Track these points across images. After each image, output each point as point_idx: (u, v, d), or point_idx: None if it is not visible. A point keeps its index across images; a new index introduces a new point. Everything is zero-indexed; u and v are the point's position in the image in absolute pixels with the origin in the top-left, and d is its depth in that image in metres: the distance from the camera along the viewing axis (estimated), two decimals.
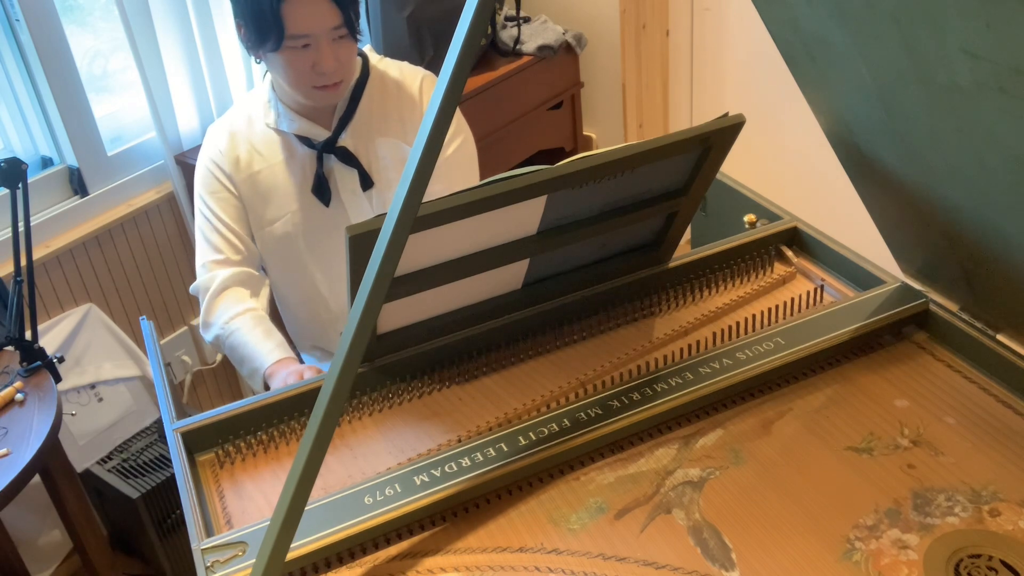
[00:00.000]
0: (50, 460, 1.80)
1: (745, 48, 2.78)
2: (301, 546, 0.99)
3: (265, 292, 1.70)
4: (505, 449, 1.09)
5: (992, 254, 1.08)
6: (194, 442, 1.20)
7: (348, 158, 1.65)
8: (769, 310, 1.30)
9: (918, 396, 1.17)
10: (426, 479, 1.06)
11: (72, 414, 2.16)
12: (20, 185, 1.71)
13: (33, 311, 1.80)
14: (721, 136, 1.17)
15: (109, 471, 2.19)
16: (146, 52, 2.19)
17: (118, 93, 2.35)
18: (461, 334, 1.29)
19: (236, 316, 1.60)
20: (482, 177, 1.78)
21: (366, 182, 1.67)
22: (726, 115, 1.17)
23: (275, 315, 1.81)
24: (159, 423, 2.34)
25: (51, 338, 2.13)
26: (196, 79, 2.32)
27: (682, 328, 1.32)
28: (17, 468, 1.60)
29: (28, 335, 1.80)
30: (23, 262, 1.74)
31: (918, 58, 0.90)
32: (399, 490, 1.05)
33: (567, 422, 1.12)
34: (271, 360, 1.53)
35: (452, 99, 0.89)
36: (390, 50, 2.30)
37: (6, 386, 1.77)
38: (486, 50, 2.64)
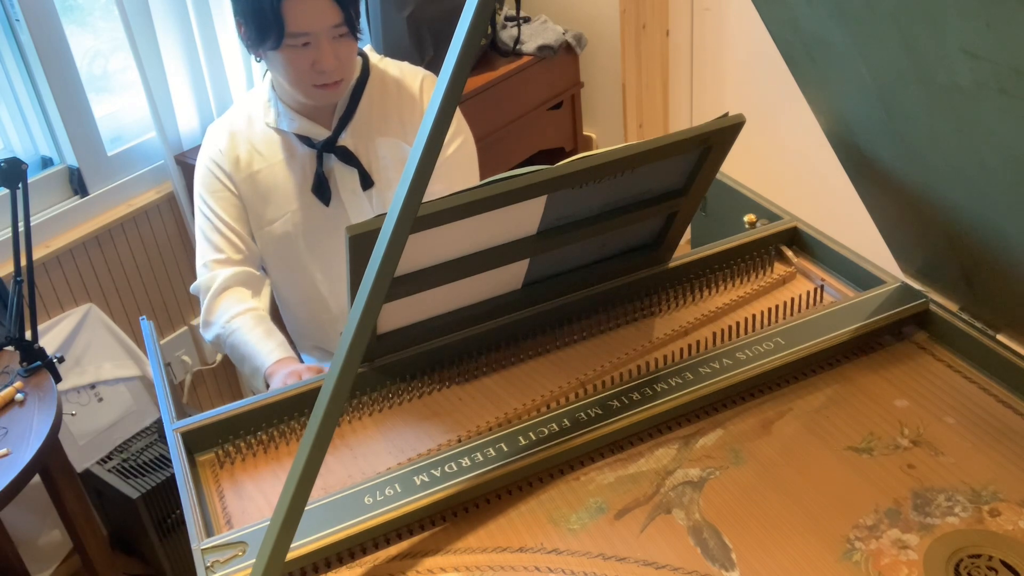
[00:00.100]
0: (50, 460, 1.80)
1: (745, 48, 2.78)
2: (301, 546, 0.99)
3: (266, 292, 1.70)
4: (505, 449, 1.09)
5: (992, 254, 1.08)
6: (194, 442, 1.20)
7: (348, 158, 1.65)
8: (769, 310, 1.30)
9: (918, 396, 1.17)
10: (426, 479, 1.06)
11: (72, 414, 2.16)
12: (20, 185, 1.71)
13: (33, 311, 1.80)
14: (721, 136, 1.17)
15: (109, 471, 2.19)
16: (146, 52, 2.19)
17: (118, 93, 2.35)
18: (461, 334, 1.29)
19: (237, 315, 1.60)
20: (482, 177, 1.78)
21: (366, 182, 1.67)
22: (726, 115, 1.17)
23: (275, 315, 1.82)
24: (159, 423, 2.34)
25: (51, 338, 2.13)
26: (196, 79, 2.32)
27: (682, 328, 1.32)
28: (17, 468, 1.60)
29: (28, 335, 1.79)
30: (23, 262, 1.74)
31: (918, 58, 0.90)
32: (399, 490, 1.05)
33: (567, 422, 1.12)
34: (272, 360, 1.53)
35: (452, 99, 0.89)
36: (390, 50, 2.30)
37: (6, 386, 1.77)
38: (486, 50, 2.64)
